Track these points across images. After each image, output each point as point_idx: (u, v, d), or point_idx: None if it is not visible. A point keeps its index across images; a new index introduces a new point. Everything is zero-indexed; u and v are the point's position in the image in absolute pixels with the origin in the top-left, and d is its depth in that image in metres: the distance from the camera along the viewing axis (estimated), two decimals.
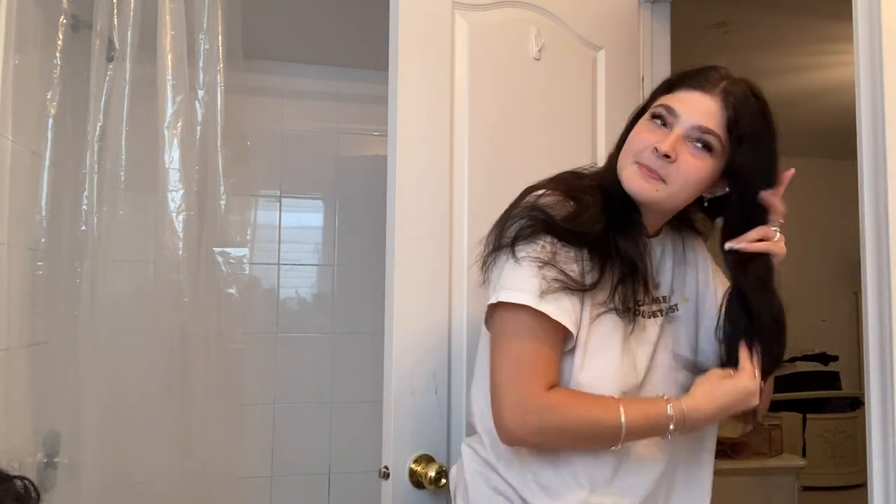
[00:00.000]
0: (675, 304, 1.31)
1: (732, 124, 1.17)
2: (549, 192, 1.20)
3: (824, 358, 5.29)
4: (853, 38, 1.31)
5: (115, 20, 1.88)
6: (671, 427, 1.14)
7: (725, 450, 3.07)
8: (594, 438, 1.17)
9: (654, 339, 1.25)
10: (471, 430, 1.36)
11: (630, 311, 1.20)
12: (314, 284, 2.92)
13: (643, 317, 1.24)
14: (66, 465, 1.87)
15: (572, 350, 1.19)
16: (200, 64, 1.95)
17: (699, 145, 1.17)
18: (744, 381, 1.17)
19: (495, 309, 1.19)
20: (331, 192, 2.92)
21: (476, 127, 1.62)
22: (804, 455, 4.70)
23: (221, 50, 1.95)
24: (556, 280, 1.14)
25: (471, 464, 1.29)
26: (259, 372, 2.73)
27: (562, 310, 1.15)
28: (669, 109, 1.17)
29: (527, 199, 1.20)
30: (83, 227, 1.90)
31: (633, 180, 1.18)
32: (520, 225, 1.17)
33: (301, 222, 2.94)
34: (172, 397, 1.92)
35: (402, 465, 1.49)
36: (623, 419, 1.13)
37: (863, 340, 1.28)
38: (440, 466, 1.45)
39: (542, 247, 1.16)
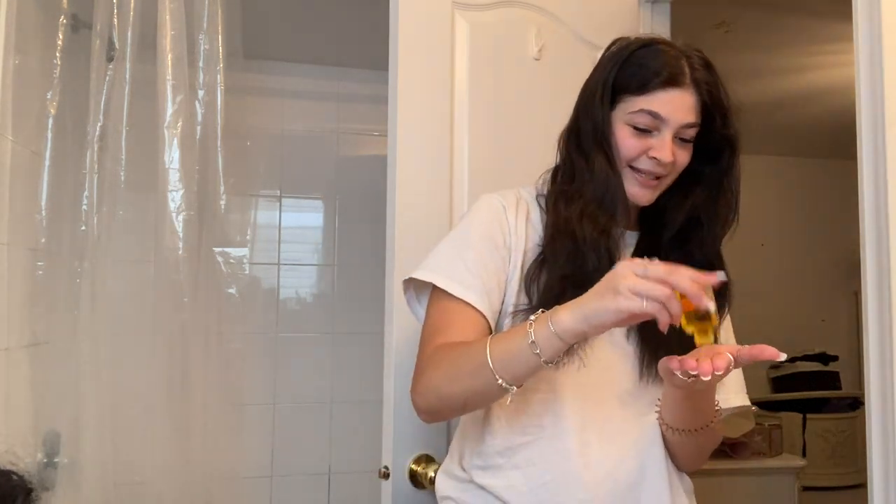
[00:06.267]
0: None
1: (706, 108, 1.18)
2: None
3: (824, 358, 5.28)
4: (853, 38, 1.31)
5: (115, 20, 1.88)
6: (532, 338, 1.02)
7: (725, 450, 3.07)
8: (469, 372, 1.09)
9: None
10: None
11: None
12: (314, 284, 2.92)
13: None
14: (66, 465, 1.87)
15: None
16: (200, 64, 1.95)
17: (685, 138, 1.19)
18: (616, 268, 1.00)
19: None
20: (331, 192, 2.92)
21: (476, 127, 1.62)
22: (804, 455, 4.70)
23: (221, 50, 1.95)
24: None
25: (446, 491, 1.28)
26: (259, 372, 2.73)
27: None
28: (655, 115, 1.17)
29: None
30: (83, 227, 1.90)
31: (632, 190, 1.20)
32: None
33: (301, 222, 2.94)
34: (172, 397, 1.92)
35: (402, 465, 1.49)
36: (488, 346, 1.07)
37: (863, 340, 1.28)
38: (440, 466, 1.45)
39: None
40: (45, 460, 1.88)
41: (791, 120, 4.51)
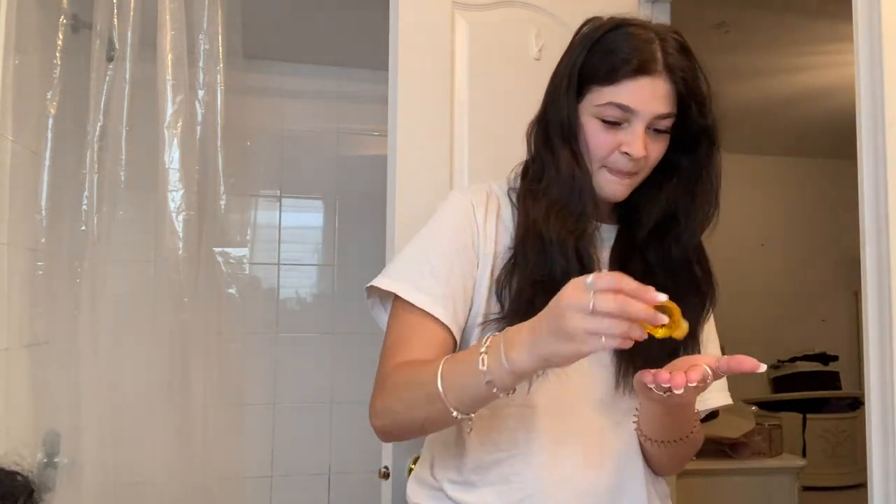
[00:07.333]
0: None
1: (682, 97, 1.09)
2: None
3: (824, 358, 5.29)
4: (853, 38, 1.31)
5: (115, 20, 1.88)
6: (484, 366, 0.93)
7: (725, 450, 3.07)
8: (422, 401, 1.02)
9: None
10: None
11: None
12: (314, 284, 2.92)
13: None
14: (66, 465, 1.86)
15: None
16: (200, 64, 1.94)
17: (660, 129, 1.11)
18: (559, 305, 0.87)
19: None
20: (331, 192, 2.93)
21: (476, 127, 1.62)
22: (804, 455, 4.70)
23: (221, 50, 1.95)
24: None
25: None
26: (259, 372, 2.73)
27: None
28: (624, 108, 1.08)
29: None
30: (83, 227, 1.90)
31: (608, 187, 1.13)
32: None
33: (301, 222, 2.94)
34: (172, 397, 1.92)
35: (402, 465, 1.49)
36: (439, 371, 0.98)
37: (863, 340, 1.28)
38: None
39: None
40: (45, 460, 1.88)
41: (791, 120, 4.51)
